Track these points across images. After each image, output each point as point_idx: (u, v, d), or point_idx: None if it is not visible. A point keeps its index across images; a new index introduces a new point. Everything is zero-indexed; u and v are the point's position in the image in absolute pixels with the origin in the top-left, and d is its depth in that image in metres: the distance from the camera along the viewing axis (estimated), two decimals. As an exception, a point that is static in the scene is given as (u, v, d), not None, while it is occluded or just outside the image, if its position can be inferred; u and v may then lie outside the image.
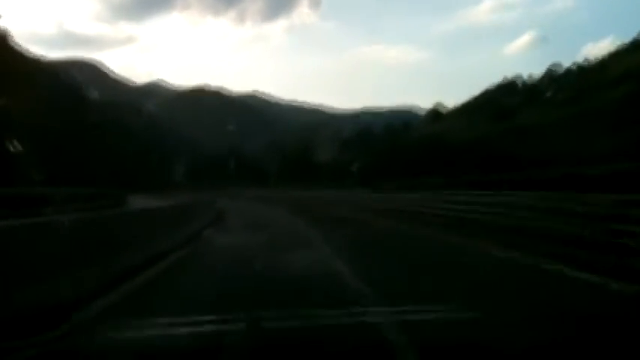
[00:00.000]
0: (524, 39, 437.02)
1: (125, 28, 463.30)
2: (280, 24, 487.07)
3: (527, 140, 51.45)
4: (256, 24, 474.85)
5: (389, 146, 57.64)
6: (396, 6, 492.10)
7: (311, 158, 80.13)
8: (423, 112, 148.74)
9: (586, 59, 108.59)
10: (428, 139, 58.45)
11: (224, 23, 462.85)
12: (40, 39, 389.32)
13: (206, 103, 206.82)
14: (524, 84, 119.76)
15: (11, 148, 24.67)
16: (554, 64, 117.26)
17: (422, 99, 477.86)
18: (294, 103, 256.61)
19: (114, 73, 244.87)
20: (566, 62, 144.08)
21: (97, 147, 70.44)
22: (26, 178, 24.40)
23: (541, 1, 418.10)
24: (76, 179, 36.68)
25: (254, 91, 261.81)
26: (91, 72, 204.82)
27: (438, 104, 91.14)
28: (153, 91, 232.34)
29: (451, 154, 46.90)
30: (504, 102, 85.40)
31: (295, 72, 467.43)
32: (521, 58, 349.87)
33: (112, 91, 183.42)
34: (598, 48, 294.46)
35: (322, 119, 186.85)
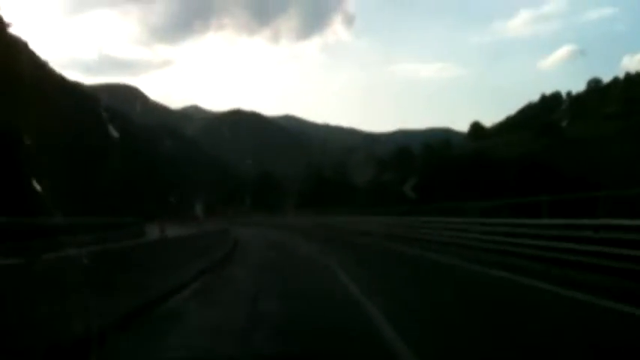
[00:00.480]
0: (561, 52, 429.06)
1: (162, 51, 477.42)
2: (315, 42, 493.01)
3: (577, 155, 48.97)
4: (291, 42, 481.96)
5: (435, 164, 55.38)
6: (430, 22, 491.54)
7: (348, 180, 78.49)
8: (459, 132, 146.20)
9: (627, 72, 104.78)
10: (472, 156, 56.06)
11: (259, 42, 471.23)
12: (79, 64, 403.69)
13: (241, 126, 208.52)
14: (570, 96, 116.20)
15: (35, 185, 23.87)
16: (594, 79, 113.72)
17: (457, 117, 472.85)
18: (328, 125, 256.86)
19: (151, 98, 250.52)
20: (605, 74, 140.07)
21: (123, 174, 70.63)
22: (44, 208, 23.53)
23: (577, 12, 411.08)
24: (97, 208, 36.41)
25: (288, 114, 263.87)
26: (129, 97, 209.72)
27: (476, 123, 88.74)
28: (189, 115, 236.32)
29: (498, 172, 44.62)
30: (550, 117, 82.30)
31: (329, 91, 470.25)
32: (559, 72, 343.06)
33: (150, 115, 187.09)
34: (637, 61, 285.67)
35: (356, 141, 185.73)
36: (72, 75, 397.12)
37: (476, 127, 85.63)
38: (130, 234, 24.51)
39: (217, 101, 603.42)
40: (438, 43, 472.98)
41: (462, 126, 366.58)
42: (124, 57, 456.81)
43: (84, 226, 19.60)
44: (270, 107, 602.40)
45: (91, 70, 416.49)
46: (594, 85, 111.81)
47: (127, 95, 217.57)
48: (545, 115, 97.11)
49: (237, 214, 69.37)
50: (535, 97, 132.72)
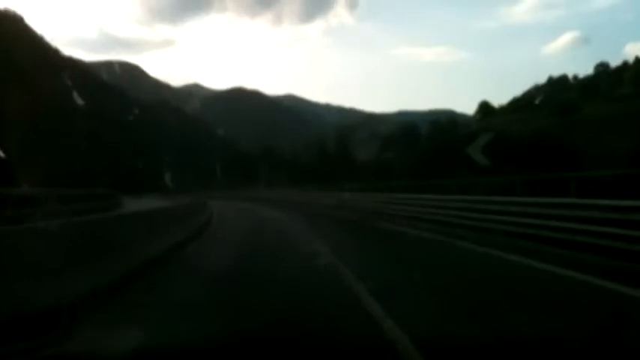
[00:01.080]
0: (565, 38, 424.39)
1: (163, 30, 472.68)
2: (317, 25, 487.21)
3: (592, 134, 47.04)
4: (293, 25, 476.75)
5: (442, 141, 53.36)
6: (434, 6, 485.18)
7: (351, 157, 76.57)
8: (462, 114, 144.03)
9: (637, 56, 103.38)
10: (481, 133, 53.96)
11: (261, 25, 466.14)
12: (82, 42, 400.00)
13: (243, 105, 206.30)
14: (576, 79, 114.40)
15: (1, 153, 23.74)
16: (602, 63, 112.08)
17: (460, 100, 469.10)
18: (330, 105, 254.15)
19: (152, 75, 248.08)
20: (611, 61, 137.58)
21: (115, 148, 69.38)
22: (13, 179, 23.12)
23: (582, 0, 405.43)
24: (87, 181, 36.04)
25: (289, 93, 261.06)
26: (130, 74, 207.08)
27: (485, 102, 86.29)
28: (191, 93, 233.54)
29: (514, 148, 42.61)
30: (562, 97, 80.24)
31: (331, 73, 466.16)
32: (563, 57, 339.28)
33: (151, 93, 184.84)
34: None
35: (358, 120, 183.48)
36: (73, 52, 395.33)
37: (484, 106, 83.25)
38: (105, 206, 23.20)
39: (219, 80, 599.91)
40: (442, 27, 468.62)
41: (465, 108, 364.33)
42: (126, 36, 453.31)
43: (58, 198, 18.60)
44: (271, 87, 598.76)
45: (92, 49, 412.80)
46: (602, 69, 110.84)
47: (127, 72, 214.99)
48: (553, 97, 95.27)
49: (228, 189, 68.42)
50: (540, 81, 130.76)
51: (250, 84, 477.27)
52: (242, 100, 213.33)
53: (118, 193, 33.99)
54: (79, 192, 23.90)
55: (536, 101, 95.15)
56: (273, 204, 35.53)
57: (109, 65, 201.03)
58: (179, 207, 18.32)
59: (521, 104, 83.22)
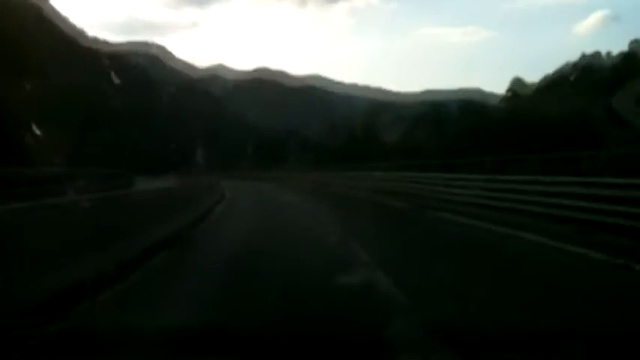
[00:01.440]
0: (595, 17, 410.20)
1: (189, 13, 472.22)
2: (342, 6, 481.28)
3: None
4: (318, 6, 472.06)
5: (473, 121, 51.88)
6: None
7: (378, 137, 75.40)
8: (489, 93, 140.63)
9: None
10: (516, 112, 52.35)
11: (286, 7, 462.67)
12: (107, 25, 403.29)
13: (267, 86, 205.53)
14: (610, 56, 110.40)
15: (31, 134, 24.48)
16: (636, 40, 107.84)
17: (487, 79, 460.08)
18: (355, 86, 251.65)
19: (179, 57, 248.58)
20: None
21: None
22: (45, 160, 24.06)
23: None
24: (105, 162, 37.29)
25: (315, 73, 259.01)
26: (155, 57, 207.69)
27: (518, 79, 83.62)
28: (216, 73, 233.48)
29: (547, 129, 41.19)
30: (600, 75, 77.21)
31: (357, 54, 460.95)
32: (592, 37, 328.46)
33: (177, 75, 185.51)
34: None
35: (384, 101, 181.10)
36: (100, 35, 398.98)
37: (517, 83, 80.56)
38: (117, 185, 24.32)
39: (244, 61, 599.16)
40: (468, 8, 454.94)
41: (493, 87, 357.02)
42: (152, 19, 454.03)
43: (75, 176, 19.16)
44: (297, 67, 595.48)
45: (119, 31, 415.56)
46: (637, 45, 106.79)
47: (154, 54, 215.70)
48: (586, 75, 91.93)
49: (252, 170, 68.78)
50: (571, 59, 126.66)
51: (275, 65, 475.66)
52: (267, 81, 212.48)
53: (128, 172, 35.34)
54: (85, 172, 24.94)
55: (571, 78, 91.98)
56: (296, 187, 34.19)
57: (136, 47, 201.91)
58: (176, 190, 17.35)
59: (557, 81, 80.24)
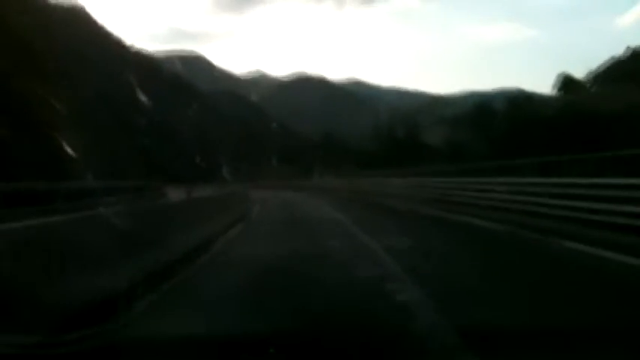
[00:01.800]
0: (637, 10, 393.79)
1: (227, 20, 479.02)
2: (380, 7, 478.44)
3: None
4: (356, 8, 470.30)
5: (521, 119, 49.13)
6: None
7: (421, 141, 73.13)
8: (531, 92, 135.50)
9: None
10: (569, 109, 49.23)
11: (324, 9, 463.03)
12: (145, 35, 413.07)
13: (307, 91, 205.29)
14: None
15: (68, 149, 24.12)
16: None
17: (528, 78, 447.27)
18: (394, 88, 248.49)
19: (217, 65, 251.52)
20: None
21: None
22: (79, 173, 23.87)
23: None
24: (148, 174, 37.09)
25: (353, 77, 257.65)
26: (195, 65, 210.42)
27: (567, 76, 79.69)
28: (255, 80, 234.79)
29: (601, 127, 38.29)
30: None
31: (395, 56, 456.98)
32: (637, 29, 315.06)
33: (215, 83, 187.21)
34: None
35: (425, 103, 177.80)
36: (138, 44, 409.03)
37: (566, 80, 76.77)
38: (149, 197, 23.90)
39: (282, 67, 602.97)
40: (507, 5, 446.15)
41: (534, 87, 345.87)
42: (191, 28, 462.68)
43: (106, 190, 18.92)
44: (335, 72, 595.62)
45: (158, 41, 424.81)
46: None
47: (192, 63, 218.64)
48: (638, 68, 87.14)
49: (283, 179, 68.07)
50: (616, 53, 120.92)
51: (313, 70, 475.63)
52: (305, 87, 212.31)
53: (153, 184, 34.96)
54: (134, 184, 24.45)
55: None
56: (337, 197, 32.40)
57: (174, 56, 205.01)
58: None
59: (614, 76, 76.09)
